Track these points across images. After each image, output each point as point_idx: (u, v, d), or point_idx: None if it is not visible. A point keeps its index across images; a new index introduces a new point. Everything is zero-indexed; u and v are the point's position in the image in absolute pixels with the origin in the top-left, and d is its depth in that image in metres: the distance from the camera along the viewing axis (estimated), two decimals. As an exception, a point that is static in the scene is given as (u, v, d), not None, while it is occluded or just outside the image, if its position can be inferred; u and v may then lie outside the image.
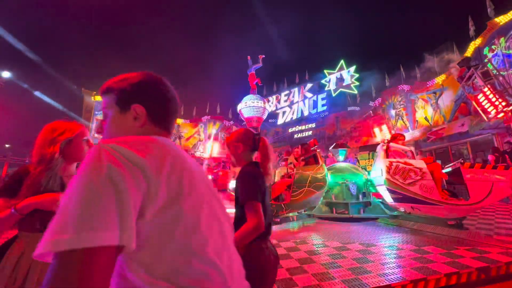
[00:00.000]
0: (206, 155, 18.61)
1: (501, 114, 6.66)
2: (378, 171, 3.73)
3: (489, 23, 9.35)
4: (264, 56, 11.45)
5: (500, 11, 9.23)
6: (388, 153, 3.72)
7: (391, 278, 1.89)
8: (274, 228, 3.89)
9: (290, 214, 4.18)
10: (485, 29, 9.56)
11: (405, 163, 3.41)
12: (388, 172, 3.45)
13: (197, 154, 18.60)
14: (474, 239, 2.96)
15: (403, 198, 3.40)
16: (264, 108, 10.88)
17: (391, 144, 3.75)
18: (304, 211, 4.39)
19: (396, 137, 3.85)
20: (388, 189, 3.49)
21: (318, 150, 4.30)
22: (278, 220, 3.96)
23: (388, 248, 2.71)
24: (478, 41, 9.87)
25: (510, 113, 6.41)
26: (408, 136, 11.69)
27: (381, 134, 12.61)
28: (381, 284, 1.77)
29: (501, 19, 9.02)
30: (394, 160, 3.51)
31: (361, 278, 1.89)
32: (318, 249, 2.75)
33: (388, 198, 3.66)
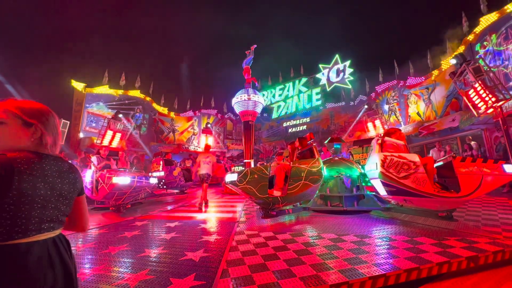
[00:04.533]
0: (200, 149, 18.51)
1: (491, 110, 6.83)
2: (373, 165, 3.79)
3: (481, 19, 9.49)
4: (256, 46, 11.23)
5: (493, 7, 9.38)
6: (383, 146, 3.78)
7: (385, 267, 1.95)
8: (270, 221, 3.93)
9: (286, 207, 4.23)
10: (477, 25, 9.70)
11: (399, 156, 3.47)
12: (382, 165, 3.51)
13: (192, 148, 18.47)
14: (463, 230, 3.07)
15: (396, 191, 3.47)
16: (259, 103, 10.82)
17: (386, 138, 3.81)
18: (300, 204, 4.45)
19: (393, 132, 3.91)
20: (382, 182, 3.56)
21: (314, 144, 4.34)
22: (274, 213, 4.00)
23: (382, 239, 2.78)
24: (470, 37, 10.02)
25: (499, 109, 6.58)
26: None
27: (375, 129, 12.77)
28: (377, 274, 1.82)
29: (493, 16, 9.17)
30: (388, 153, 3.57)
31: (357, 268, 1.94)
32: (314, 241, 2.80)
33: (382, 191, 3.73)
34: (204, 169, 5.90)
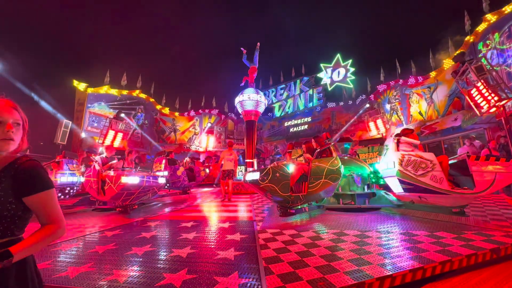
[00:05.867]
0: (201, 149, 18.50)
1: (493, 109, 6.96)
2: (389, 163, 3.90)
3: (483, 18, 9.62)
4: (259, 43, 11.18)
5: (495, 6, 9.52)
6: (399, 145, 3.90)
7: (421, 261, 2.04)
8: (288, 219, 4.01)
9: (302, 205, 4.33)
10: (480, 24, 9.84)
11: (416, 155, 3.59)
12: (400, 164, 3.62)
13: (193, 147, 18.45)
14: (475, 224, 3.21)
15: (413, 188, 3.59)
16: (262, 102, 10.85)
17: (402, 137, 3.93)
18: (316, 202, 4.55)
19: (409, 132, 4.03)
20: (399, 180, 3.67)
21: (332, 143, 4.43)
22: (293, 211, 4.09)
23: (405, 235, 2.88)
24: (472, 36, 10.17)
25: (502, 108, 6.72)
26: (402, 130, 12.06)
27: (376, 128, 12.85)
28: (416, 267, 1.91)
29: (496, 15, 9.30)
30: (406, 152, 3.68)
31: (395, 262, 2.03)
32: (340, 237, 2.88)
33: (398, 188, 3.85)
34: (227, 165, 6.43)
